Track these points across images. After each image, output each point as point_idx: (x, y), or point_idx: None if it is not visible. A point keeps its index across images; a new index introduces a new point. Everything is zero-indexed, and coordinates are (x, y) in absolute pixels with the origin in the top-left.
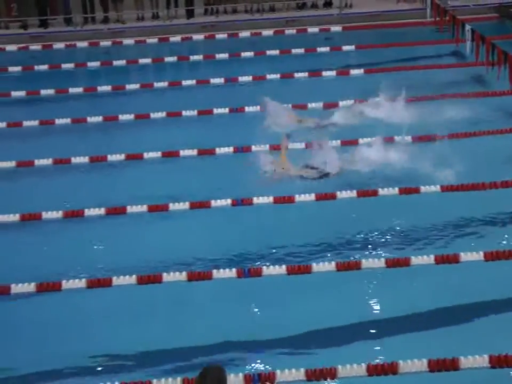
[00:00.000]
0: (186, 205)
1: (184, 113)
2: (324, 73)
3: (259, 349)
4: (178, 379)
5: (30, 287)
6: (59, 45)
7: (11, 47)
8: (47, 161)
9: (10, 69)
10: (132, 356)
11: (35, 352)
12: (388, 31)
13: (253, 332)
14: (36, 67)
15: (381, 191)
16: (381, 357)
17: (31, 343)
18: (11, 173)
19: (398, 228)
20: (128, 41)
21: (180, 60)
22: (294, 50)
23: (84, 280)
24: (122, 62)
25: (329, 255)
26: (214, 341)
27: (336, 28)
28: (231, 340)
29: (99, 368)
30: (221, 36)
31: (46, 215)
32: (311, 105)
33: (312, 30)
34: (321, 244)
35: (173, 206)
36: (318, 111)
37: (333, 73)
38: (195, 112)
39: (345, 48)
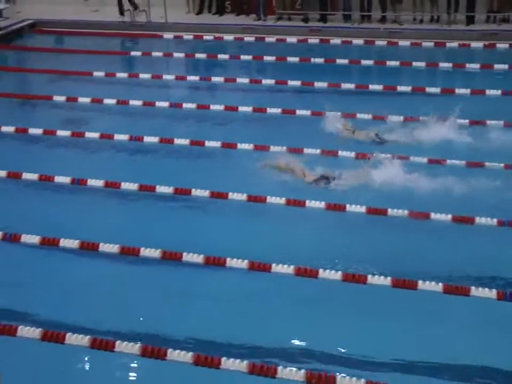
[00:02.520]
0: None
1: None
2: None
3: None
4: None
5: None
6: (336, 40)
7: (291, 39)
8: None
9: (289, 59)
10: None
11: None
12: None
13: None
14: (312, 60)
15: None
16: None
17: None
18: None
19: None
20: (404, 43)
21: (455, 67)
22: None
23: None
24: (395, 63)
25: None
26: None
27: None
28: None
29: None
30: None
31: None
32: None
33: None
34: None
35: None
36: None
37: None
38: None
39: None
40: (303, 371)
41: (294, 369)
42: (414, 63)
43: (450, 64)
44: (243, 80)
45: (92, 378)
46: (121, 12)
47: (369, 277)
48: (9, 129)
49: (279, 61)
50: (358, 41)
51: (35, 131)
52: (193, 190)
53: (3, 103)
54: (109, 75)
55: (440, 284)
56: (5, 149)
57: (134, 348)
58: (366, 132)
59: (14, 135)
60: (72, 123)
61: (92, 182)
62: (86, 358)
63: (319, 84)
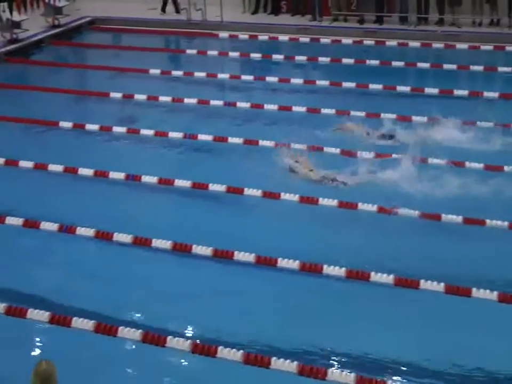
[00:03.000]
0: None
1: None
2: None
3: None
4: None
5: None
6: (392, 42)
7: (347, 40)
8: None
9: (344, 60)
10: None
11: None
12: None
13: None
14: (368, 61)
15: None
16: None
17: None
18: None
19: None
20: (462, 46)
21: None
22: None
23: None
24: (452, 66)
25: None
26: None
27: None
28: None
29: None
30: None
31: None
32: None
33: None
34: None
35: None
36: None
37: None
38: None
39: None
40: None
41: None
42: (472, 67)
43: (510, 69)
44: (297, 81)
45: (143, 371)
46: (177, 10)
47: None
48: (67, 124)
49: (333, 62)
50: (415, 44)
51: (91, 127)
52: (245, 189)
53: (61, 99)
54: (164, 73)
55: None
56: (63, 143)
57: (184, 344)
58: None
59: (72, 130)
60: (127, 120)
61: (146, 179)
62: (137, 351)
63: (373, 86)
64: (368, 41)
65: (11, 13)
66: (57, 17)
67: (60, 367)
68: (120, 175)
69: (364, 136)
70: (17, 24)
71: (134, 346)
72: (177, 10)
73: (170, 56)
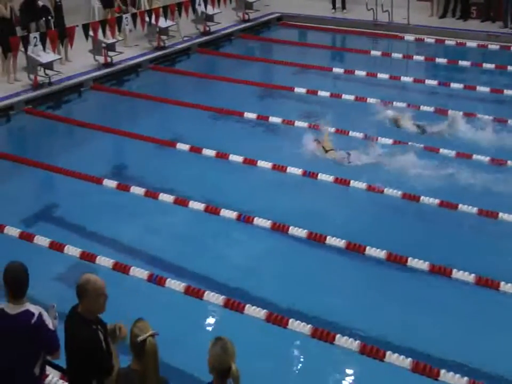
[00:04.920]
0: None
1: None
2: None
3: None
4: None
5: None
6: None
7: None
8: None
9: None
10: None
11: None
12: None
13: None
14: None
15: None
16: None
17: None
18: None
19: None
20: None
21: None
22: None
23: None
24: None
25: None
26: None
27: None
28: None
29: None
30: None
31: None
32: None
33: None
34: None
35: None
36: None
37: None
38: None
39: None
40: None
41: None
42: None
43: None
44: (483, 89)
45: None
46: (344, 6)
47: None
48: (252, 115)
49: None
50: None
51: (275, 119)
52: (422, 197)
53: (248, 91)
54: (347, 72)
55: None
56: (246, 133)
57: (353, 344)
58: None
59: (256, 122)
60: (309, 115)
61: (322, 176)
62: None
63: None
64: None
65: (206, 6)
66: (247, 12)
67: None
68: (297, 171)
69: None
70: (210, 17)
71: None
72: (344, 6)
73: (355, 56)
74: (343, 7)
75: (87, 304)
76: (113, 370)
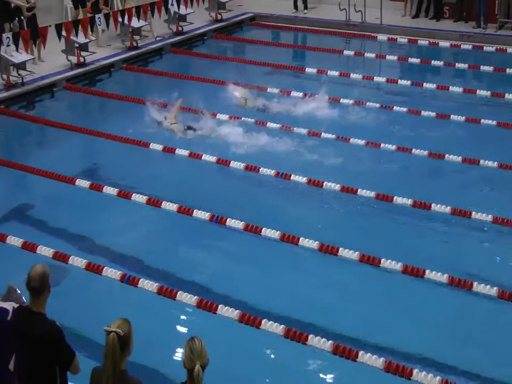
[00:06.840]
0: None
1: None
2: None
3: None
4: None
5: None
6: None
7: None
8: None
9: (509, 71)
10: None
11: None
12: None
13: None
14: None
15: None
16: None
17: None
18: None
19: None
20: None
21: None
22: None
23: None
24: None
25: None
26: None
27: None
28: None
29: None
30: None
31: None
32: None
33: None
34: None
35: None
36: None
37: None
38: None
39: None
40: None
41: None
42: None
43: None
44: (456, 89)
45: None
46: (305, 7)
47: None
48: (224, 117)
49: (497, 71)
50: None
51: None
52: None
53: (220, 90)
54: (320, 72)
55: None
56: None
57: (325, 344)
58: None
59: (227, 121)
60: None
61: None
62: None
63: None
64: None
65: (178, 6)
66: (220, 12)
67: None
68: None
69: None
70: (183, 17)
71: None
72: (306, 7)
73: (327, 56)
74: (305, 7)
75: (46, 296)
76: (75, 356)
